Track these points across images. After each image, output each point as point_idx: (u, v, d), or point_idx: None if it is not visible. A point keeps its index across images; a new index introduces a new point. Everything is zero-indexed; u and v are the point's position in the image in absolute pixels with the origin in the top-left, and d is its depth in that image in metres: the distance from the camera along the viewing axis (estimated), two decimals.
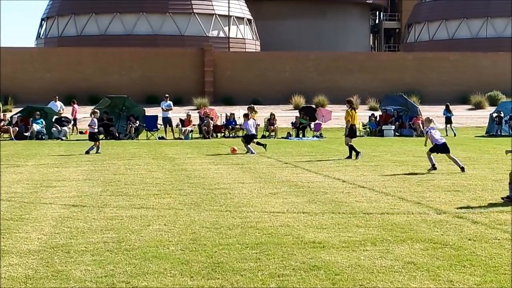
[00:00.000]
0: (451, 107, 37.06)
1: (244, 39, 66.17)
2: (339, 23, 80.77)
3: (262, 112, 42.35)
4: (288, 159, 20.47)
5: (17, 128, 32.00)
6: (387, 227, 9.37)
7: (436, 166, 16.37)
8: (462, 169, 16.14)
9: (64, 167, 18.06)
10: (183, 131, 32.76)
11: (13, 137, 31.36)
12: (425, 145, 17.31)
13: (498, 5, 68.91)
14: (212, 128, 33.14)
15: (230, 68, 57.00)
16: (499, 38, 68.14)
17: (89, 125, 24.05)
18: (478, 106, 52.94)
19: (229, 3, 63.56)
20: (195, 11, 62.86)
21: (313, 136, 33.24)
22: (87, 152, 22.47)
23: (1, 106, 37.92)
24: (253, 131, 23.60)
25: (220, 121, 35.44)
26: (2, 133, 32.52)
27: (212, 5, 63.76)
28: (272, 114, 34.88)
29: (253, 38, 67.93)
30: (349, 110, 20.60)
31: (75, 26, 63.87)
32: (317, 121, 34.99)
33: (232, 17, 64.27)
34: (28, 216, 10.40)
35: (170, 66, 55.77)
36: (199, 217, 10.18)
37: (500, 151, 19.93)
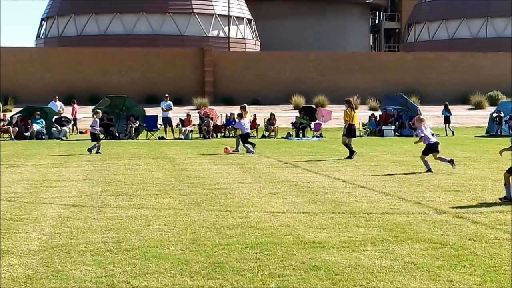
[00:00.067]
0: (451, 107, 37.09)
1: (244, 39, 66.17)
2: (339, 23, 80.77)
3: (262, 112, 42.37)
4: (288, 159, 20.47)
5: (17, 128, 32.00)
6: (387, 227, 9.38)
7: (432, 170, 16.35)
8: (452, 161, 16.35)
9: (64, 167, 18.06)
10: (183, 131, 32.76)
11: (13, 137, 31.36)
12: (415, 143, 17.50)
13: (498, 5, 68.91)
14: (212, 128, 33.14)
15: (230, 68, 57.00)
16: (499, 38, 68.13)
17: (91, 126, 24.01)
18: (478, 106, 52.94)
19: (229, 3, 63.56)
20: (195, 11, 62.86)
21: (313, 136, 33.23)
22: (89, 150, 22.50)
23: (1, 106, 37.93)
24: (248, 130, 23.79)
25: (220, 121, 35.44)
26: (2, 133, 32.51)
27: (212, 5, 63.77)
28: (272, 114, 34.87)
29: (253, 38, 67.94)
30: (347, 110, 20.67)
31: (75, 26, 63.87)
32: (317, 121, 34.98)
33: (232, 17, 64.28)
34: (28, 216, 10.40)
35: (170, 66, 55.77)
36: (199, 217, 10.18)
37: None
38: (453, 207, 11.00)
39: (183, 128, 32.91)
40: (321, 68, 57.62)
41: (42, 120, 32.77)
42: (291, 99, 52.08)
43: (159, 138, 32.44)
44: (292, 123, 34.75)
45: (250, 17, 67.96)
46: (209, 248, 8.14)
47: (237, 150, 22.96)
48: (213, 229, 9.28)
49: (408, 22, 77.74)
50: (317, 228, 9.31)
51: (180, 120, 33.84)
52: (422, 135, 16.76)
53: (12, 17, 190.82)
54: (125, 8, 61.94)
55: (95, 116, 23.99)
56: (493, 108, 42.26)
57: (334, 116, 37.70)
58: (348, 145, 20.39)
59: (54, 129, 32.34)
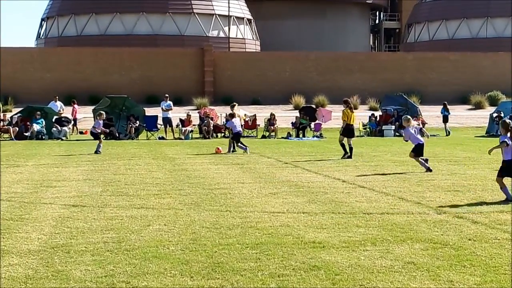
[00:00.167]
0: (451, 107, 37.17)
1: (244, 39, 66.17)
2: (339, 23, 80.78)
3: (262, 112, 42.39)
4: (288, 159, 20.47)
5: (17, 128, 32.00)
6: (387, 227, 9.38)
7: (430, 168, 16.44)
8: (428, 169, 16.31)
9: (64, 167, 18.05)
10: (183, 131, 32.76)
11: (13, 137, 31.36)
12: (405, 140, 17.59)
13: (498, 5, 68.91)
14: (212, 128, 33.13)
15: (230, 68, 57.01)
16: (499, 38, 68.14)
17: (93, 127, 23.91)
18: (478, 106, 52.95)
19: (229, 3, 63.57)
20: (195, 11, 62.86)
21: (313, 136, 33.23)
22: (97, 152, 22.40)
23: (1, 106, 37.91)
24: (239, 129, 23.86)
25: (220, 121, 35.44)
26: (2, 133, 32.51)
27: (212, 5, 63.77)
28: (272, 114, 34.86)
29: (253, 38, 67.94)
30: (345, 110, 20.75)
31: (75, 26, 63.88)
32: (317, 121, 34.99)
33: (232, 17, 64.28)
34: (28, 216, 10.40)
35: (170, 66, 55.77)
36: (199, 217, 10.18)
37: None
38: (453, 207, 11.00)
39: (183, 128, 32.91)
40: (321, 68, 57.63)
41: (42, 120, 32.77)
42: (291, 99, 52.08)
43: (159, 138, 32.43)
44: (292, 123, 34.75)
45: (250, 17, 67.96)
46: (209, 248, 8.14)
47: (229, 151, 22.77)
48: (213, 229, 9.28)
49: (408, 22, 77.75)
50: (317, 228, 9.31)
51: (180, 120, 33.84)
52: (407, 139, 17.11)
53: (12, 17, 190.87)
54: (125, 8, 61.94)
55: (98, 118, 23.92)
56: (493, 108, 42.28)
57: (334, 116, 37.68)
58: (343, 145, 20.47)
59: (54, 129, 32.34)
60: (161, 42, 60.84)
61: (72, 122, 35.56)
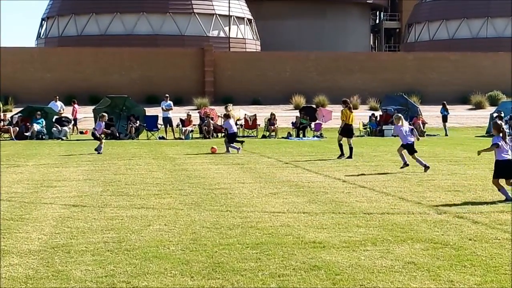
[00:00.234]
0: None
1: (245, 39, 66.16)
2: (339, 23, 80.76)
3: (263, 112, 42.37)
4: (289, 159, 20.47)
5: (18, 128, 32.00)
6: (387, 227, 9.38)
7: (408, 163, 16.68)
8: (427, 168, 16.45)
9: (65, 167, 18.06)
10: (183, 131, 32.77)
11: (13, 137, 31.36)
12: (393, 135, 17.74)
13: (498, 5, 68.90)
14: (212, 128, 33.13)
15: (230, 68, 57.00)
16: (499, 38, 68.13)
17: (94, 128, 23.87)
18: (479, 106, 52.94)
19: (229, 3, 63.57)
20: (195, 11, 62.85)
21: (313, 136, 33.24)
22: (97, 151, 22.42)
23: (1, 106, 37.90)
24: (235, 130, 23.96)
25: (221, 121, 35.42)
26: (3, 133, 32.52)
27: (213, 5, 63.76)
28: (272, 114, 34.86)
29: (253, 38, 67.94)
30: (344, 110, 20.81)
31: (75, 26, 63.87)
32: (317, 121, 34.99)
33: (232, 17, 64.27)
34: (28, 216, 10.40)
35: (170, 66, 55.77)
36: (200, 217, 10.18)
37: None
38: (453, 207, 11.00)
39: (184, 128, 32.92)
40: (321, 68, 57.62)
41: (42, 120, 32.77)
42: (291, 99, 52.07)
43: (160, 138, 32.44)
44: (292, 123, 34.75)
45: (250, 17, 67.96)
46: (209, 248, 8.14)
47: (227, 151, 22.71)
48: (214, 229, 9.28)
49: (409, 22, 77.73)
50: (318, 228, 9.31)
51: (181, 120, 33.85)
52: (396, 135, 17.30)
53: (12, 17, 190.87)
54: (125, 8, 61.93)
55: (100, 120, 23.88)
56: (493, 108, 42.27)
57: (335, 116, 37.64)
58: (341, 146, 20.53)
59: (54, 129, 32.34)
60: (161, 42, 60.83)
61: (72, 122, 35.56)
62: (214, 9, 63.63)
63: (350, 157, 20.22)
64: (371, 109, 48.21)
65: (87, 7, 63.17)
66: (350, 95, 49.37)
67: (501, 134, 11.86)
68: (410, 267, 7.22)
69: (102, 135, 23.91)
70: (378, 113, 38.20)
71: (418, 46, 72.15)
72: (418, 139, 17.61)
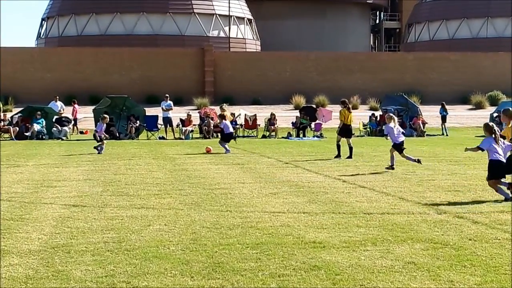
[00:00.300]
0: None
1: (245, 39, 66.16)
2: (339, 23, 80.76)
3: (263, 112, 42.38)
4: (289, 159, 20.47)
5: (18, 128, 32.01)
6: (387, 227, 9.38)
7: (394, 167, 16.73)
8: (419, 161, 16.85)
9: (65, 167, 18.06)
10: (183, 131, 32.77)
11: (13, 137, 31.37)
12: (385, 134, 17.80)
13: (499, 5, 68.91)
14: (212, 128, 33.13)
15: (230, 68, 57.01)
16: (500, 38, 68.14)
17: (96, 130, 23.83)
18: (479, 106, 52.96)
19: (229, 3, 63.57)
20: (195, 11, 62.86)
21: (313, 136, 33.24)
22: (96, 148, 22.43)
23: (1, 106, 37.91)
24: (231, 130, 24.01)
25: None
26: (3, 133, 32.52)
27: (213, 5, 63.77)
28: (272, 114, 34.87)
29: (253, 38, 67.94)
30: (342, 110, 20.88)
31: (75, 26, 63.88)
32: (317, 121, 35.00)
33: (232, 17, 64.28)
34: (28, 216, 10.40)
35: (170, 66, 55.78)
36: (200, 217, 10.18)
37: None
38: (453, 207, 11.00)
39: (184, 128, 32.92)
40: (321, 68, 57.63)
41: (42, 120, 32.78)
42: (291, 99, 52.08)
43: (160, 138, 32.44)
44: (292, 123, 34.76)
45: (250, 17, 67.97)
46: (209, 248, 8.14)
47: (227, 150, 22.64)
48: (214, 229, 9.28)
49: (409, 22, 77.74)
50: (318, 228, 9.31)
51: (181, 120, 33.86)
52: (387, 133, 17.46)
53: (12, 17, 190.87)
54: (125, 8, 61.95)
55: (101, 121, 23.86)
56: (493, 108, 42.29)
57: (335, 116, 37.62)
58: (339, 146, 20.54)
59: (54, 129, 32.34)
60: (161, 42, 60.85)
61: (73, 122, 35.58)
62: (214, 9, 63.64)
63: (350, 157, 20.24)
64: (371, 109, 48.22)
65: (87, 7, 63.18)
66: (350, 95, 49.42)
67: (493, 136, 11.86)
68: (410, 267, 7.22)
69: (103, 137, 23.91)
70: (378, 113, 38.21)
71: (418, 46, 72.16)
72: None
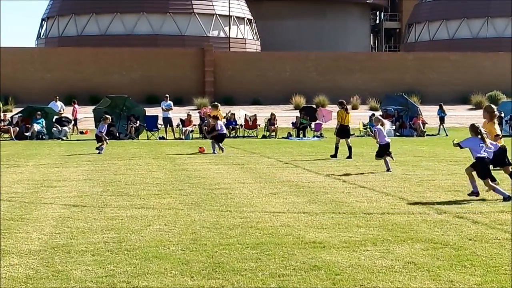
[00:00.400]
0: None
1: (245, 39, 66.18)
2: (339, 23, 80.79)
3: (263, 112, 42.38)
4: (289, 159, 20.47)
5: (18, 128, 32.01)
6: (387, 227, 9.37)
7: (390, 170, 16.60)
8: (388, 170, 16.54)
9: (65, 167, 18.05)
10: (183, 131, 32.78)
11: (13, 137, 31.37)
12: (377, 143, 17.65)
13: (499, 5, 68.94)
14: (209, 129, 33.09)
15: (230, 68, 57.02)
16: (500, 38, 68.19)
17: (99, 131, 23.82)
18: (479, 106, 52.89)
19: (229, 3, 63.59)
20: (195, 11, 62.87)
21: (313, 136, 33.25)
22: (98, 149, 22.44)
23: (1, 106, 37.92)
24: (225, 131, 24.17)
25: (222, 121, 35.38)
26: (3, 133, 32.52)
27: (213, 5, 63.79)
28: (272, 114, 34.88)
29: (253, 38, 67.95)
30: (339, 111, 20.95)
31: (75, 26, 63.89)
32: (317, 121, 35.01)
33: (232, 17, 64.29)
34: (28, 216, 10.40)
35: (170, 66, 55.79)
36: (200, 217, 10.18)
37: None
38: (453, 207, 11.00)
39: (184, 128, 32.93)
40: (321, 68, 57.65)
41: (42, 120, 32.78)
42: (291, 99, 52.10)
43: (160, 138, 32.45)
44: (292, 123, 34.76)
45: (250, 17, 67.98)
46: (209, 248, 8.13)
47: (222, 151, 22.59)
48: (214, 229, 9.28)
49: (409, 22, 77.77)
50: (318, 228, 9.31)
51: (181, 120, 33.86)
52: (373, 134, 17.67)
53: (12, 17, 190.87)
54: (125, 8, 61.97)
55: (103, 122, 23.86)
56: None
57: (335, 116, 37.65)
58: (337, 148, 20.57)
59: (54, 129, 32.35)
60: (161, 42, 60.87)
61: (73, 122, 35.59)
62: (214, 9, 63.66)
63: (349, 157, 20.26)
64: (371, 109, 48.23)
65: (87, 7, 63.20)
66: (350, 95, 49.47)
67: (479, 136, 11.84)
68: (410, 267, 7.21)
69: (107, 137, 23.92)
70: (378, 113, 38.22)
71: (418, 46, 72.19)
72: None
